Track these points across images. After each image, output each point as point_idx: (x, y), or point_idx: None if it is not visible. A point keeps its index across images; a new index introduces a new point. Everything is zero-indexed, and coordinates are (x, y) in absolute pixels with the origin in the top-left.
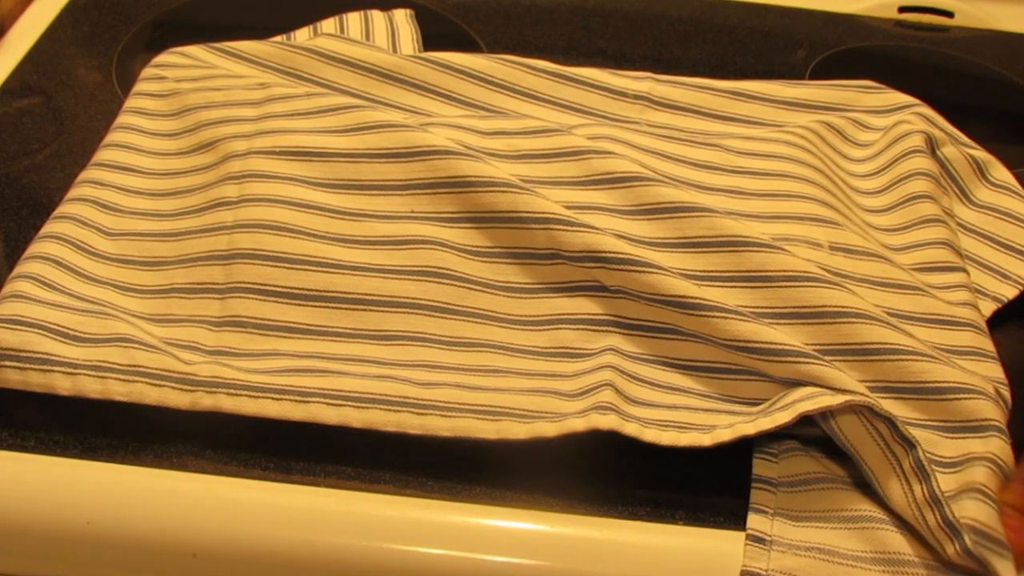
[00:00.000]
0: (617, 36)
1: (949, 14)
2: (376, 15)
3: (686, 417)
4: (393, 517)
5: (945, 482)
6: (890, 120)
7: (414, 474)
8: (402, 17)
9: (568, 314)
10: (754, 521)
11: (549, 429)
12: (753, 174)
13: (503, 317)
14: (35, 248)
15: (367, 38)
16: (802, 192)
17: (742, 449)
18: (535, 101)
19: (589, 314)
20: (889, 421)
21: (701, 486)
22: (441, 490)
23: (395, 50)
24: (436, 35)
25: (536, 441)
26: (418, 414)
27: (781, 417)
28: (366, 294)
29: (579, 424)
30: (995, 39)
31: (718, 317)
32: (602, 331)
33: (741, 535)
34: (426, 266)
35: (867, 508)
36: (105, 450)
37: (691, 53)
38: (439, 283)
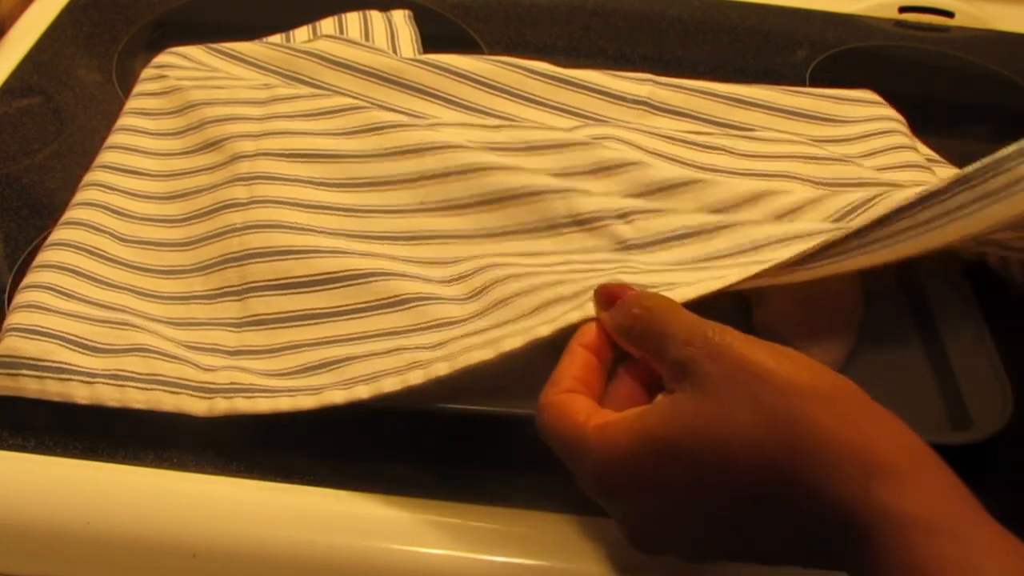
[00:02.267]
0: (617, 36)
1: (949, 14)
2: (375, 16)
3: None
4: (393, 517)
5: None
6: (880, 126)
7: (415, 474)
8: (401, 18)
9: (581, 255)
10: None
11: (544, 330)
12: (756, 157)
13: (523, 267)
14: (48, 256)
15: (366, 39)
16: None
17: None
18: (535, 105)
19: (602, 259)
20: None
21: None
22: (441, 490)
23: (394, 51)
24: (436, 35)
25: (533, 346)
26: (423, 368)
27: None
28: (377, 268)
29: (574, 316)
30: (995, 39)
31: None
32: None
33: None
34: (436, 258)
35: None
36: (105, 450)
37: (691, 53)
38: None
